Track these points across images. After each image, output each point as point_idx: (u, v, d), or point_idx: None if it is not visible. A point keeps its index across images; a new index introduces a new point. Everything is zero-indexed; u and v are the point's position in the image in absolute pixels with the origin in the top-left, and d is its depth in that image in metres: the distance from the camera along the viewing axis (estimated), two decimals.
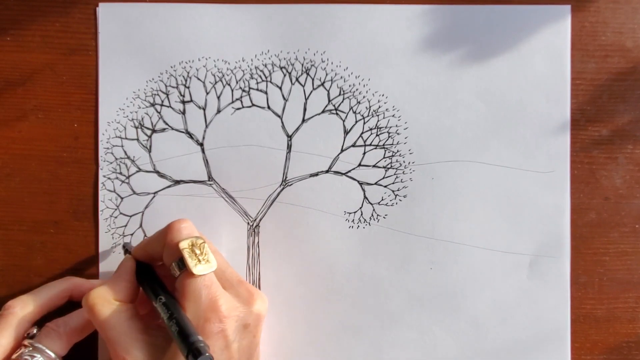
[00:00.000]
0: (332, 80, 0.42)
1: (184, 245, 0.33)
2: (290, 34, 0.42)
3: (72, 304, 0.39)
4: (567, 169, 0.42)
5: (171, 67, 0.42)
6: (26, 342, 0.35)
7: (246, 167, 0.42)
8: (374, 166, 0.42)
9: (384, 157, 0.42)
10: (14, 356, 0.34)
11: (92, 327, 0.38)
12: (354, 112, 0.42)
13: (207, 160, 0.42)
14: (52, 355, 0.35)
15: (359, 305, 0.42)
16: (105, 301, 0.33)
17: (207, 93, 0.42)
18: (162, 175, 0.42)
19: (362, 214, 0.42)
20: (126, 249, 0.41)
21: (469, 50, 0.42)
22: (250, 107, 0.42)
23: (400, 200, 0.42)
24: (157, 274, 0.37)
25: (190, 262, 0.33)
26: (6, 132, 0.42)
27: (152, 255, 0.36)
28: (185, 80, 0.42)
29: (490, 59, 0.42)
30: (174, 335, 0.31)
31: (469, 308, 0.42)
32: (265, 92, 0.42)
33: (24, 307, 0.36)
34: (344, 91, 0.42)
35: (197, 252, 0.33)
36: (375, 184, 0.42)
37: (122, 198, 0.42)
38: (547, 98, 0.42)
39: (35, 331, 0.36)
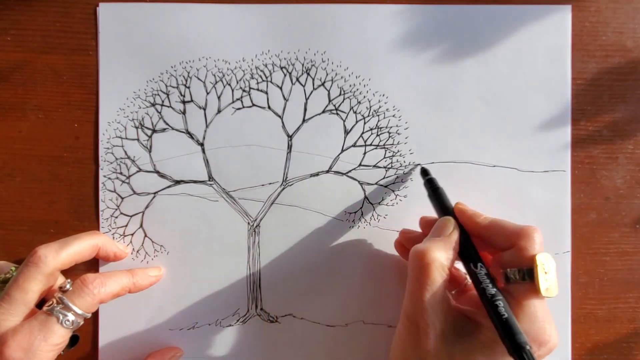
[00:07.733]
0: (332, 80, 0.42)
1: (541, 259, 0.32)
2: (291, 34, 0.42)
3: None
4: (567, 169, 0.42)
5: (171, 67, 0.42)
6: (58, 295, 0.35)
7: (246, 167, 0.42)
8: (374, 166, 0.42)
9: (384, 157, 0.42)
10: (45, 307, 0.35)
11: (124, 293, 0.38)
12: (355, 112, 0.42)
13: (207, 160, 0.42)
14: (83, 314, 0.35)
15: (359, 305, 0.42)
16: (440, 266, 0.33)
17: (208, 93, 0.42)
18: (162, 175, 0.42)
19: (362, 214, 0.42)
20: (433, 186, 0.38)
21: (469, 50, 0.42)
22: (250, 107, 0.42)
23: (400, 200, 0.42)
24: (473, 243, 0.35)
25: (542, 281, 0.31)
26: (6, 132, 0.42)
27: (478, 232, 0.35)
28: (186, 80, 0.42)
29: (490, 59, 0.42)
30: (496, 318, 0.30)
31: None
32: (266, 92, 0.42)
33: (55, 258, 0.36)
34: (344, 91, 0.42)
35: (546, 272, 0.32)
36: (376, 184, 0.42)
37: (122, 198, 0.42)
38: (548, 98, 0.42)
39: (68, 286, 0.36)
